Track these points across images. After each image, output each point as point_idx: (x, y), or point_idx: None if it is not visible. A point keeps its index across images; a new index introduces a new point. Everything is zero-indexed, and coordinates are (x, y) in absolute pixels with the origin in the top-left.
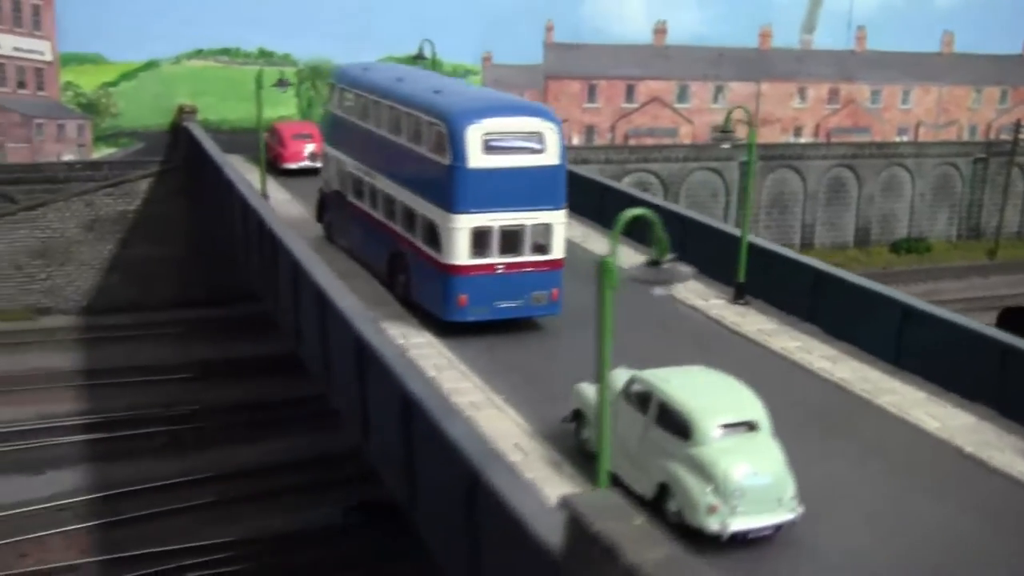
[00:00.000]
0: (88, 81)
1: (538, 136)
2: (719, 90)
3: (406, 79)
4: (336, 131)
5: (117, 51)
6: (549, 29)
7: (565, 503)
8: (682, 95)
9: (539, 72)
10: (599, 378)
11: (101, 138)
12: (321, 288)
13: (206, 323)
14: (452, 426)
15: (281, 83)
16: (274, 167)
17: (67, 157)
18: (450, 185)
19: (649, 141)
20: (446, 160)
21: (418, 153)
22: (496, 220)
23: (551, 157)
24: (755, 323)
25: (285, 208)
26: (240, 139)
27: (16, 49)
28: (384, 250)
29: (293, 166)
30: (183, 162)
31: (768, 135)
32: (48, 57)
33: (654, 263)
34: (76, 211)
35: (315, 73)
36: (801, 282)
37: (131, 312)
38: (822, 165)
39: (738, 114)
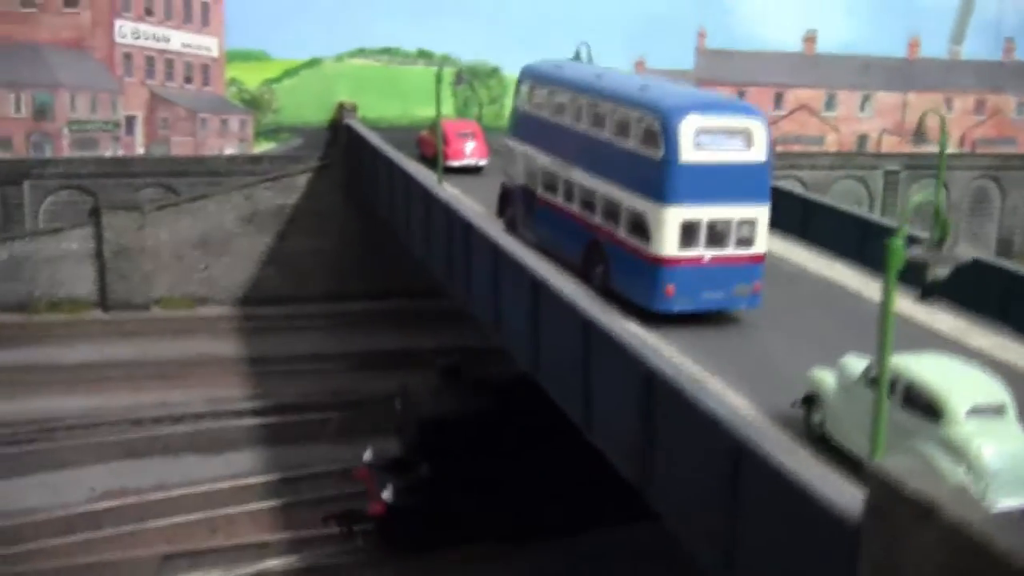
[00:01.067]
0: (252, 77)
1: (746, 133)
2: (866, 99)
3: (605, 76)
4: (525, 127)
5: (281, 49)
6: (701, 36)
7: (873, 468)
8: (829, 103)
9: (690, 78)
10: (879, 360)
11: (262, 133)
12: (536, 276)
13: (362, 316)
14: (709, 400)
15: (459, 79)
16: (434, 164)
17: (229, 151)
18: (661, 178)
19: (796, 148)
20: (657, 154)
21: (624, 147)
22: (704, 213)
23: (758, 154)
24: (945, 321)
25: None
26: (397, 136)
27: (185, 45)
28: (579, 242)
29: (456, 164)
30: (341, 158)
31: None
32: (215, 53)
33: (936, 245)
34: (236, 204)
35: (472, 73)
36: (990, 283)
37: (286, 304)
38: (967, 176)
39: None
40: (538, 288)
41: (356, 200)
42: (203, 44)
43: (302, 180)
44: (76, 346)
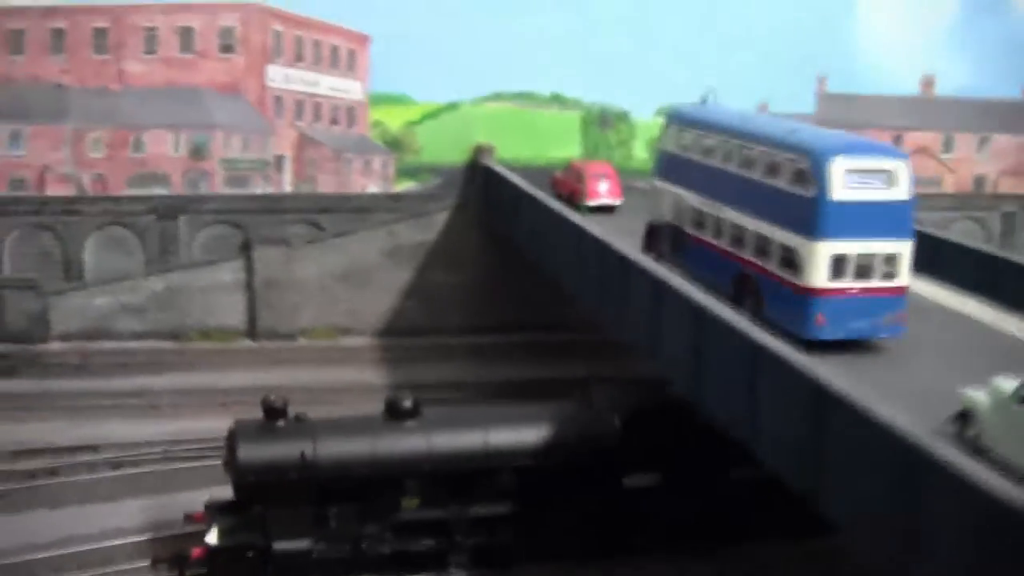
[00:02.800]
0: (394, 119)
1: (891, 173)
2: (983, 141)
3: (751, 120)
4: (672, 168)
5: (422, 92)
6: (822, 80)
7: None
8: (947, 145)
9: (811, 121)
10: None
11: (403, 172)
12: (698, 304)
13: (497, 347)
14: (883, 411)
15: (604, 123)
16: (569, 203)
17: (372, 189)
18: (813, 215)
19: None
20: (809, 193)
21: (775, 187)
22: (853, 248)
23: (902, 192)
24: None
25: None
26: (531, 176)
27: (332, 89)
28: (729, 274)
29: (593, 203)
30: (478, 197)
31: None
32: (360, 97)
33: None
34: (378, 239)
35: (600, 117)
36: None
37: (424, 335)
38: None
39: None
40: (702, 315)
41: (492, 237)
42: (349, 88)
43: (441, 217)
44: (228, 372)
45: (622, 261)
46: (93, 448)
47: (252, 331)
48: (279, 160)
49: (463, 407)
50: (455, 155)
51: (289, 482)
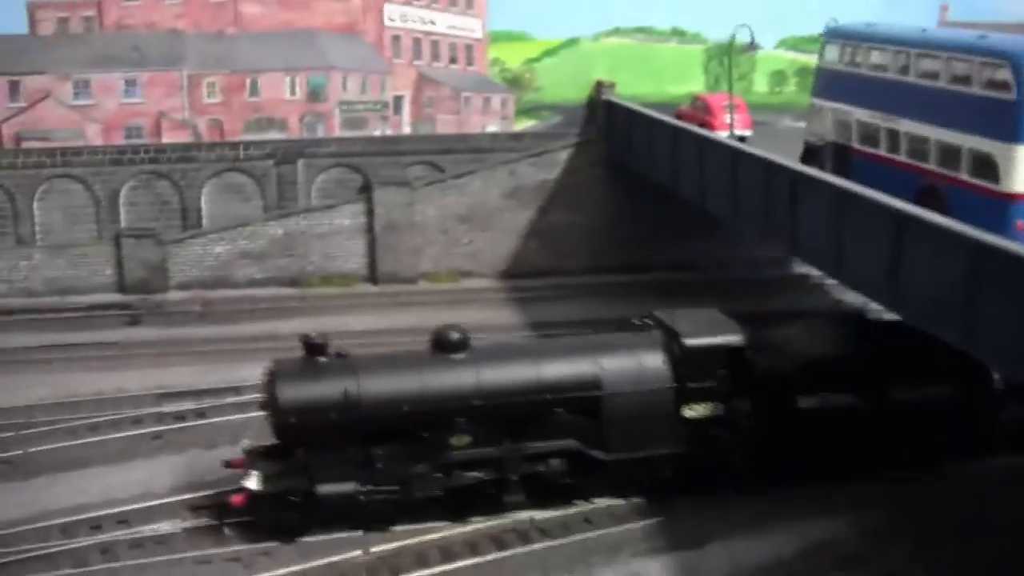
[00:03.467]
0: (513, 57)
1: None
2: None
3: (931, 32)
4: (834, 85)
5: (541, 29)
6: (943, 8)
7: None
8: None
9: None
10: None
11: (523, 111)
12: (902, 209)
13: (620, 287)
14: None
15: (751, 47)
16: None
17: (491, 129)
18: (1013, 119)
19: None
20: (1008, 96)
21: (966, 94)
22: None
23: None
24: None
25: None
26: (654, 111)
27: (450, 27)
28: (910, 188)
29: (723, 135)
30: (600, 134)
31: None
32: (478, 35)
33: None
34: (499, 180)
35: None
36: None
37: (546, 277)
38: None
39: None
40: (905, 222)
41: (615, 175)
42: (467, 26)
43: (562, 156)
44: (353, 316)
45: (793, 176)
46: (236, 390)
47: (373, 275)
48: (397, 101)
49: (516, 340)
50: (575, 93)
51: (332, 422)
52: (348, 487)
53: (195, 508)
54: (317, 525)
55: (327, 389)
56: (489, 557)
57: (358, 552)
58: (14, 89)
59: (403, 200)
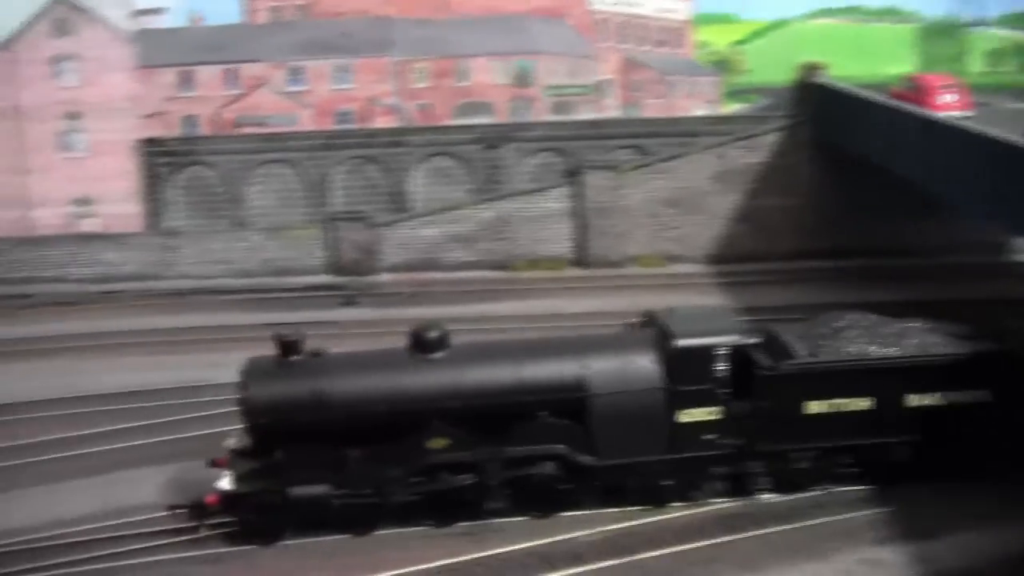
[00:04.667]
0: (720, 39)
1: None
2: None
3: None
4: None
5: (749, 10)
6: None
7: None
8: None
9: None
10: None
11: (730, 94)
12: None
13: (829, 273)
14: None
15: (976, 24)
16: None
17: (698, 112)
18: None
19: None
20: None
21: None
22: None
23: None
24: None
25: None
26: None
27: (657, 10)
28: None
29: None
30: (809, 117)
31: None
32: (685, 17)
33: None
34: (706, 163)
35: (937, 30)
36: None
37: (753, 262)
38: None
39: None
40: None
41: (825, 158)
42: (674, 8)
43: (770, 139)
44: (562, 300)
45: None
46: None
47: (581, 259)
48: (604, 84)
49: (499, 340)
50: (782, 75)
51: (303, 423)
52: (320, 490)
53: None
54: (291, 528)
55: (298, 389)
56: (722, 539)
57: (590, 531)
58: (231, 77)
59: (611, 184)
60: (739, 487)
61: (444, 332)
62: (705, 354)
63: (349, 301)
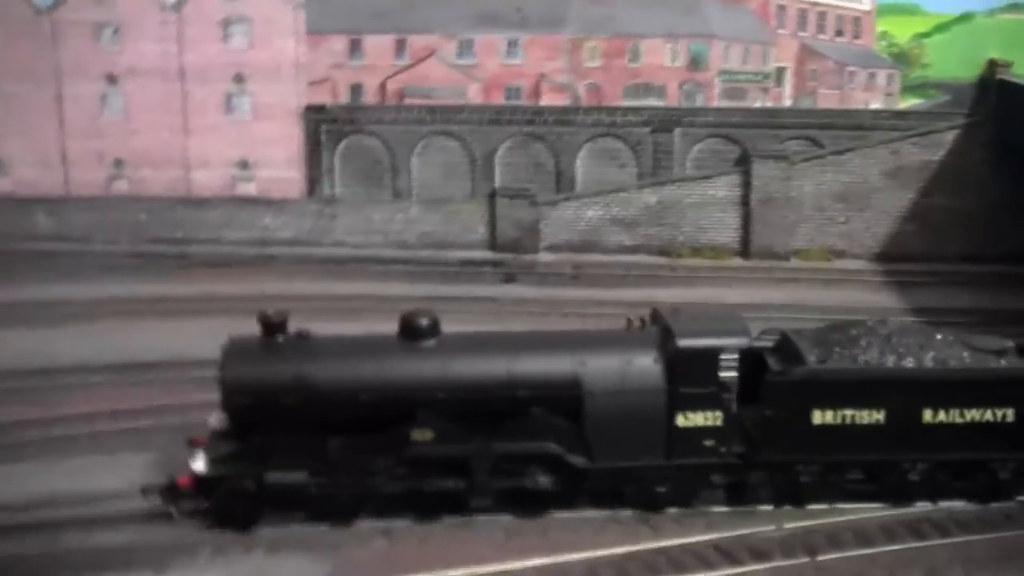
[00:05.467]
0: (902, 31)
1: None
2: None
3: None
4: None
5: (934, 2)
6: None
7: None
8: None
9: None
10: None
11: (908, 88)
12: None
13: (1005, 278)
14: None
15: None
16: None
17: (874, 105)
18: None
19: None
20: None
21: None
22: None
23: None
24: None
25: None
26: None
27: None
28: None
29: None
30: (991, 116)
31: None
32: (866, 7)
33: None
34: (880, 158)
35: None
36: None
37: (921, 262)
38: None
39: None
40: None
41: (1005, 159)
42: None
43: (948, 137)
44: (723, 289)
45: None
46: None
47: (744, 249)
48: (779, 72)
49: (492, 331)
50: (964, 70)
51: (284, 406)
52: (298, 477)
53: None
54: (267, 515)
55: (280, 371)
56: (906, 545)
57: (772, 527)
58: (400, 47)
59: (781, 174)
60: (738, 497)
61: (435, 319)
62: (708, 356)
63: (509, 278)
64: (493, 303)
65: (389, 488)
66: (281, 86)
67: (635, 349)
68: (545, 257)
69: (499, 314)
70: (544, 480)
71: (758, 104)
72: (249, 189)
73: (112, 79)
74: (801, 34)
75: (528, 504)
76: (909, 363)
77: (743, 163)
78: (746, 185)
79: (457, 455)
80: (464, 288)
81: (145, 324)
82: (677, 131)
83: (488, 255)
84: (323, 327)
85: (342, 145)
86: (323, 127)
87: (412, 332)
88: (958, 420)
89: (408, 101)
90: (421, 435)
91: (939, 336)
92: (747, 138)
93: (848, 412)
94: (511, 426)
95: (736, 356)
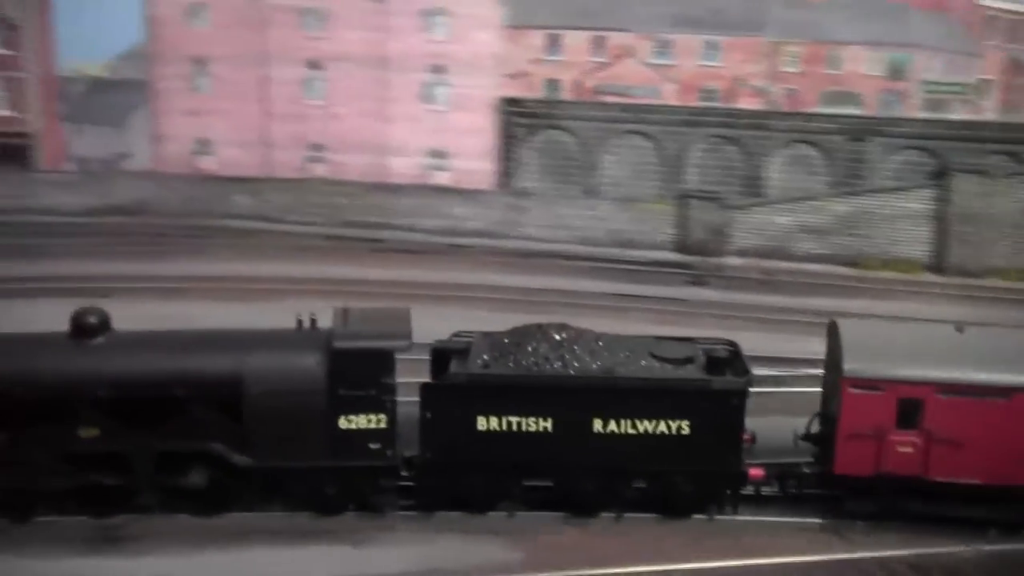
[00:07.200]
0: None
1: None
2: None
3: None
4: None
5: None
6: None
7: None
8: None
9: None
10: None
11: None
12: None
13: None
14: None
15: None
16: None
17: None
18: None
19: None
20: None
21: None
22: None
23: None
24: None
25: None
26: None
27: None
28: None
29: None
30: None
31: None
32: None
33: None
34: None
35: None
36: None
37: None
38: None
39: None
40: None
41: None
42: None
43: None
44: (922, 305)
45: None
46: (809, 362)
47: (938, 264)
48: (984, 85)
49: (166, 330)
50: None
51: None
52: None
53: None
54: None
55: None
56: None
57: (963, 547)
58: (598, 44)
59: (981, 190)
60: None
61: (104, 317)
62: (367, 359)
63: (697, 281)
64: (679, 304)
65: (55, 484)
66: (478, 78)
67: (299, 350)
68: (733, 261)
69: (685, 316)
70: (200, 478)
71: (959, 117)
72: (442, 178)
73: (315, 65)
74: (1010, 46)
75: (194, 503)
76: (572, 370)
77: (941, 176)
78: (943, 199)
79: (118, 452)
80: (650, 288)
81: (333, 305)
82: (873, 140)
83: (675, 256)
84: (511, 320)
85: (536, 139)
86: (518, 120)
87: (82, 330)
88: (630, 431)
89: (603, 98)
90: (87, 432)
91: (628, 345)
92: (947, 151)
93: (514, 419)
94: (175, 424)
95: (393, 359)
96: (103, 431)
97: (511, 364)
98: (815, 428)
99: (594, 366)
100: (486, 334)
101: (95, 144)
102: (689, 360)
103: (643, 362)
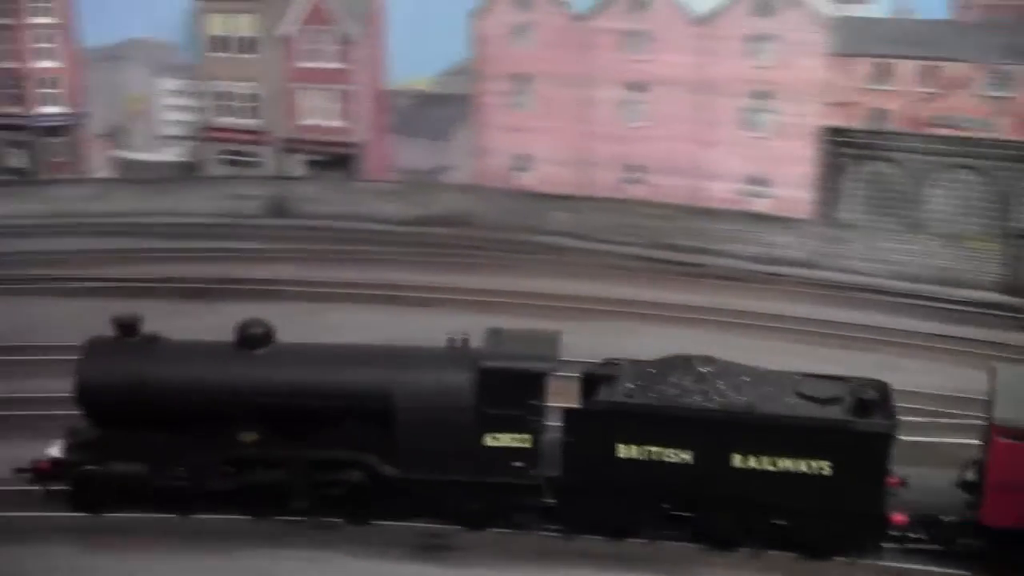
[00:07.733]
0: None
1: None
2: None
3: None
4: None
5: None
6: None
7: None
8: None
9: None
10: None
11: None
12: None
13: None
14: None
15: None
16: None
17: None
18: None
19: None
20: None
21: None
22: None
23: None
24: None
25: None
26: None
27: None
28: None
29: None
30: None
31: None
32: None
33: None
34: None
35: None
36: None
37: None
38: None
39: None
40: None
41: None
42: None
43: None
44: None
45: None
46: None
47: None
48: None
49: (325, 343)
50: None
51: (125, 403)
52: (137, 468)
53: None
54: (111, 501)
55: (124, 370)
56: None
57: None
58: (928, 74)
59: None
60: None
61: (268, 329)
62: (514, 379)
63: None
64: (1003, 349)
65: (220, 485)
66: (802, 106)
67: (449, 367)
68: None
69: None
70: (357, 478)
71: None
72: (760, 205)
73: (637, 87)
74: None
75: (342, 508)
76: (713, 403)
77: None
78: None
79: (275, 458)
80: (974, 330)
81: (646, 328)
82: None
83: (1003, 298)
84: (825, 355)
85: (862, 170)
86: (842, 150)
87: (246, 341)
88: (769, 468)
89: (933, 130)
90: (247, 437)
91: (775, 381)
92: None
93: (653, 448)
94: (328, 434)
95: (543, 380)
96: (262, 437)
97: (654, 394)
98: (971, 476)
99: (736, 401)
100: (634, 362)
101: (418, 156)
102: (836, 400)
103: (788, 399)
